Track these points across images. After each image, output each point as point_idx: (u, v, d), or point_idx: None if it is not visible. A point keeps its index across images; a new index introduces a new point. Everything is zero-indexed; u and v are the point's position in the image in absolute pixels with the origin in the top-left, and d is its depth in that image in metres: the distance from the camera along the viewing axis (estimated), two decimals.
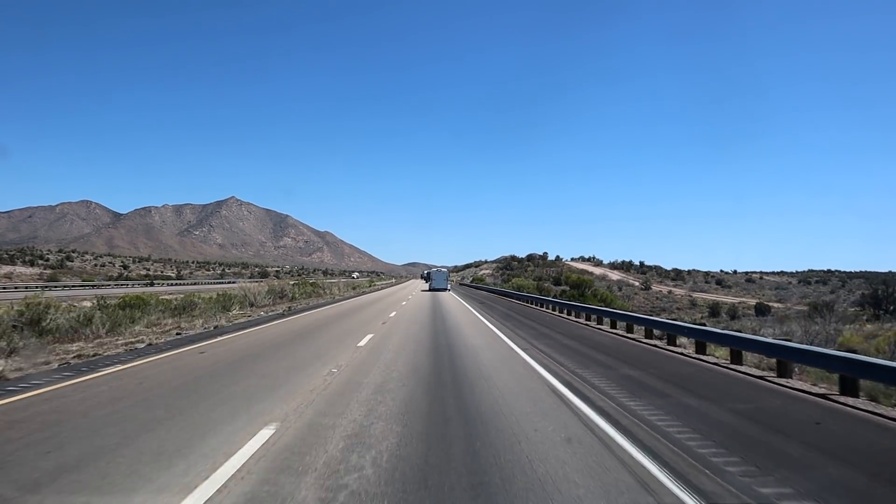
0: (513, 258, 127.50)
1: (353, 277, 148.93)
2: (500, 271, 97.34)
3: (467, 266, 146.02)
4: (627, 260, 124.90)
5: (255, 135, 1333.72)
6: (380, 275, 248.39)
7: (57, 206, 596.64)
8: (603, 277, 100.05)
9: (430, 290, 54.34)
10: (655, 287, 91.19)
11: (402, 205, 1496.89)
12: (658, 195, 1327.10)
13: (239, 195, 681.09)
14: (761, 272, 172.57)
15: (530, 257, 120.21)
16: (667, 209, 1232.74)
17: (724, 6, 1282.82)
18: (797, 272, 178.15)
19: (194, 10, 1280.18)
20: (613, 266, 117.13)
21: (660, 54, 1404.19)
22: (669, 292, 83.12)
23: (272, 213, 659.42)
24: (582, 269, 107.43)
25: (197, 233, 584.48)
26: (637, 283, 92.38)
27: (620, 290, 73.84)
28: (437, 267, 69.63)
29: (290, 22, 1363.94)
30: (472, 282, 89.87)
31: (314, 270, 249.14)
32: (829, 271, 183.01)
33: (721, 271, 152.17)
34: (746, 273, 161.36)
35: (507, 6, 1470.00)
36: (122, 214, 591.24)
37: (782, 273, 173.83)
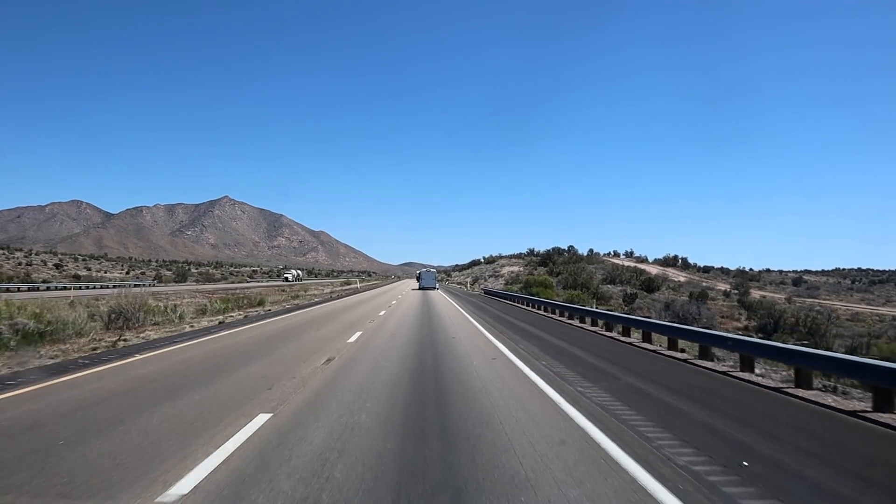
0: (532, 252, 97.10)
1: (287, 279, 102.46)
2: (534, 269, 65.60)
3: (473, 263, 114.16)
4: (673, 255, 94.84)
5: (249, 134, 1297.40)
6: (370, 274, 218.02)
7: (47, 206, 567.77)
8: (664, 278, 70.28)
9: (420, 288, 55.22)
10: (756, 293, 61.15)
11: (398, 205, 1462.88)
12: (652, 195, 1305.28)
13: (232, 195, 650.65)
14: (802, 271, 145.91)
15: (557, 252, 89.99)
16: (660, 208, 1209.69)
17: (719, 7, 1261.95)
18: (824, 271, 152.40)
19: (188, 11, 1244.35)
20: (667, 263, 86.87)
21: (654, 55, 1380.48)
22: (790, 300, 53.22)
23: (266, 213, 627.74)
24: (633, 268, 77.24)
25: (189, 233, 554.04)
26: (726, 288, 62.46)
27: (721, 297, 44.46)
28: (427, 267, 73.70)
29: (284, 22, 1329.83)
30: (521, 289, 42.05)
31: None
32: (859, 269, 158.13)
33: (751, 269, 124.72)
34: (783, 273, 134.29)
35: (503, 8, 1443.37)
36: (113, 214, 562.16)
37: (807, 272, 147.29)
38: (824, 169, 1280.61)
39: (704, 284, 69.51)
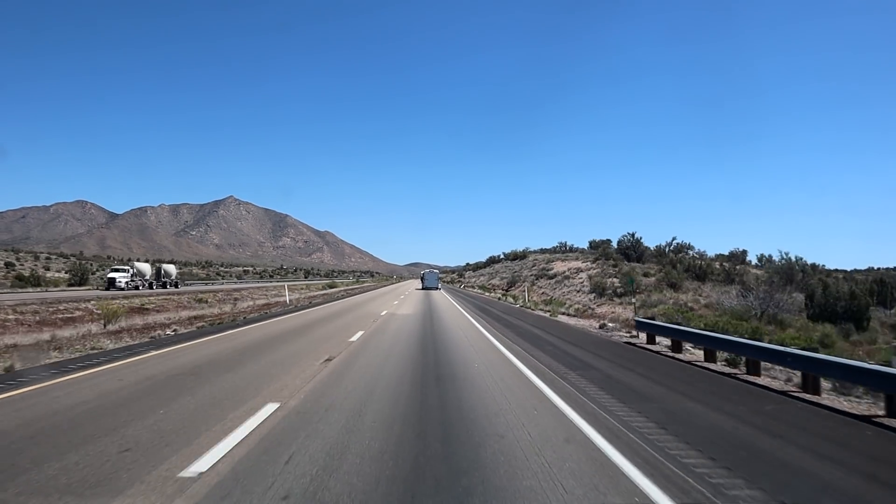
0: (565, 246, 78.05)
1: (115, 285, 46.42)
2: (616, 266, 40.90)
3: (492, 261, 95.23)
4: (741, 249, 75.35)
5: (254, 135, 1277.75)
6: (373, 275, 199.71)
7: (51, 206, 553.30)
8: None
9: (423, 288, 56.33)
10: None
11: (403, 205, 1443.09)
12: (656, 195, 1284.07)
13: (237, 195, 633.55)
14: (834, 270, 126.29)
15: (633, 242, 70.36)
16: (664, 208, 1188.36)
17: (723, 7, 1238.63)
18: (857, 270, 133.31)
19: (193, 11, 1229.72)
20: (734, 259, 67.86)
21: (658, 55, 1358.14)
22: None
23: (271, 213, 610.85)
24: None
25: (193, 233, 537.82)
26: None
27: None
28: (431, 269, 73.14)
29: (288, 22, 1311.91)
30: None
31: (295, 270, 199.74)
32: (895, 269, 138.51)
33: None
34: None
35: (507, 7, 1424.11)
36: (117, 215, 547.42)
37: (839, 271, 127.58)
38: (828, 168, 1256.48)
39: None
